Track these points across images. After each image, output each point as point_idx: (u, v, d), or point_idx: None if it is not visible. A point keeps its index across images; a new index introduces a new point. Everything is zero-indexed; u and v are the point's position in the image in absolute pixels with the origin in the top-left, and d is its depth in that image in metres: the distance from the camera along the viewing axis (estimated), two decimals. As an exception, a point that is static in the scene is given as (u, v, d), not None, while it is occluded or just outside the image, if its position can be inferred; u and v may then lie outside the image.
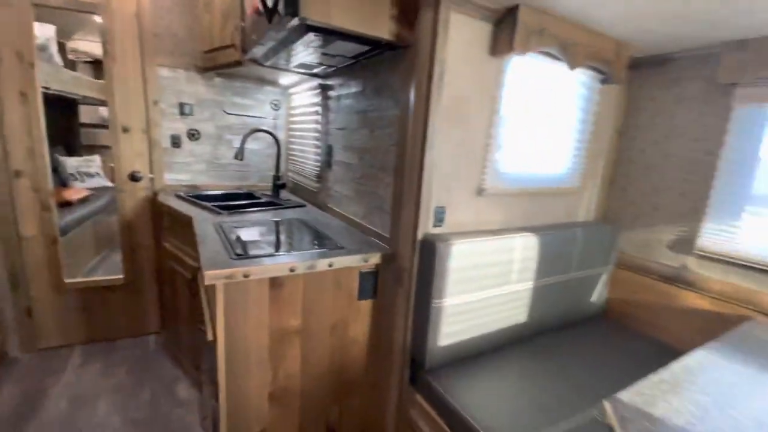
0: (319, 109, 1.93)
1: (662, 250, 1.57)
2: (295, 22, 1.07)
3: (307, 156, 2.15)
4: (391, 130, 1.34)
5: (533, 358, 1.35)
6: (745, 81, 1.31)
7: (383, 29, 1.16)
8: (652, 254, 1.61)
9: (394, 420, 1.39)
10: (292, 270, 1.15)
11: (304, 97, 2.14)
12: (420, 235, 1.21)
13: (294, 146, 2.39)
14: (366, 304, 1.38)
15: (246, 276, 1.08)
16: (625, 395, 0.78)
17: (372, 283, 1.36)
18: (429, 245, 1.18)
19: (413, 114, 1.19)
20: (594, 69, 1.46)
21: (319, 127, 1.95)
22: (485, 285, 1.29)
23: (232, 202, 1.98)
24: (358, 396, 1.44)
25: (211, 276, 1.02)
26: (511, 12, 1.14)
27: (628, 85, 1.65)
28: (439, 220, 1.26)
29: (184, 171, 2.21)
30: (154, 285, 2.21)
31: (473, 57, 1.19)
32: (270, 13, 1.16)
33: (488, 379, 1.21)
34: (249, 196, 2.24)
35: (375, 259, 1.32)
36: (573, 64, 1.30)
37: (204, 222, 1.54)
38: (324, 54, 1.42)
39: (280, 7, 1.06)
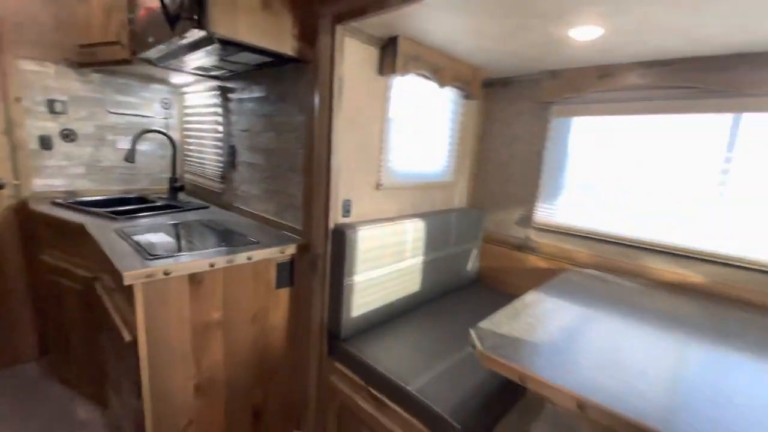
0: (219, 110, 1.96)
1: (513, 226, 2.07)
2: (201, 34, 1.15)
3: (206, 157, 2.14)
4: (298, 134, 1.50)
5: (426, 318, 1.68)
6: (557, 100, 1.84)
7: (287, 46, 1.32)
8: (507, 230, 2.10)
9: (316, 390, 1.56)
10: (212, 265, 1.24)
11: (200, 97, 2.13)
12: (331, 225, 1.41)
13: (191, 147, 2.33)
14: (284, 292, 1.52)
15: (167, 274, 1.13)
16: (483, 324, 1.11)
17: (288, 272, 1.51)
18: (339, 233, 1.39)
19: (318, 120, 1.38)
20: (458, 87, 1.85)
21: (220, 128, 1.97)
22: (386, 263, 1.56)
23: (125, 207, 1.87)
24: (281, 377, 1.57)
25: (130, 276, 1.05)
26: (393, 41, 1.41)
27: (483, 101, 2.11)
28: (346, 211, 1.47)
29: (59, 176, 1.98)
30: (29, 306, 1.94)
31: (365, 75, 1.44)
32: (173, 21, 1.21)
33: (392, 338, 1.48)
34: (142, 200, 2.12)
35: (291, 249, 1.47)
36: (441, 84, 1.65)
37: (100, 229, 1.47)
38: (227, 61, 1.49)
39: (186, 18, 1.14)
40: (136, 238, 1.37)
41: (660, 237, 1.60)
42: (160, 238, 1.41)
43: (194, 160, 2.29)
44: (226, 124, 1.92)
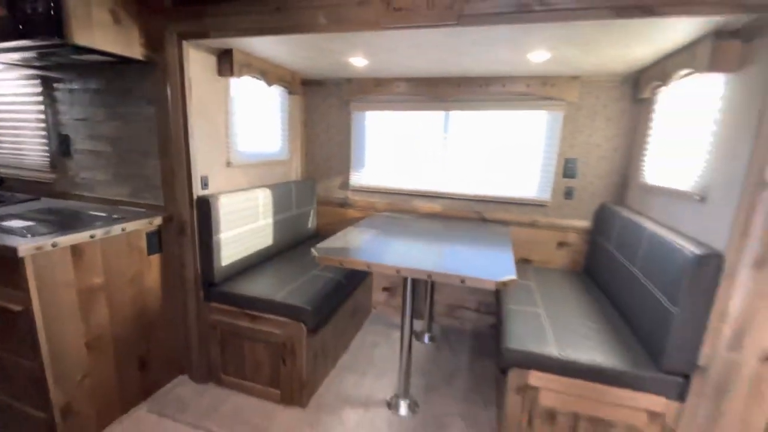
0: (41, 99, 1.92)
1: (336, 190, 2.82)
2: (56, 40, 1.34)
3: (27, 148, 2.03)
4: (151, 124, 1.77)
5: (280, 262, 2.24)
6: (353, 99, 2.62)
7: (136, 52, 1.59)
8: (333, 193, 2.83)
9: (198, 332, 1.93)
10: (92, 236, 1.47)
11: (10, 86, 1.98)
12: (195, 197, 1.79)
13: (2, 139, 2.11)
14: (155, 258, 1.81)
15: (54, 246, 1.33)
16: (321, 245, 1.77)
17: (157, 240, 1.80)
18: (203, 201, 1.78)
19: (173, 112, 1.70)
20: (282, 86, 2.39)
21: (43, 117, 1.94)
22: (244, 223, 2.03)
23: None
24: (161, 330, 1.87)
25: (23, 249, 1.23)
26: (228, 52, 1.85)
27: (304, 96, 2.72)
28: (205, 185, 1.86)
29: None
30: None
31: (209, 76, 1.83)
32: (22, 25, 1.33)
33: (257, 276, 1.99)
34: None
35: (158, 221, 1.77)
36: (269, 83, 2.18)
37: (-76, 224, 1.41)
38: (58, 56, 1.61)
39: (41, 26, 1.31)
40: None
41: (419, 186, 2.61)
42: (20, 224, 1.49)
43: (7, 152, 2.09)
44: (53, 113, 1.92)
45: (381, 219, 2.44)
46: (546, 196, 2.36)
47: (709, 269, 1.18)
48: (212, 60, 1.84)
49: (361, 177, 2.75)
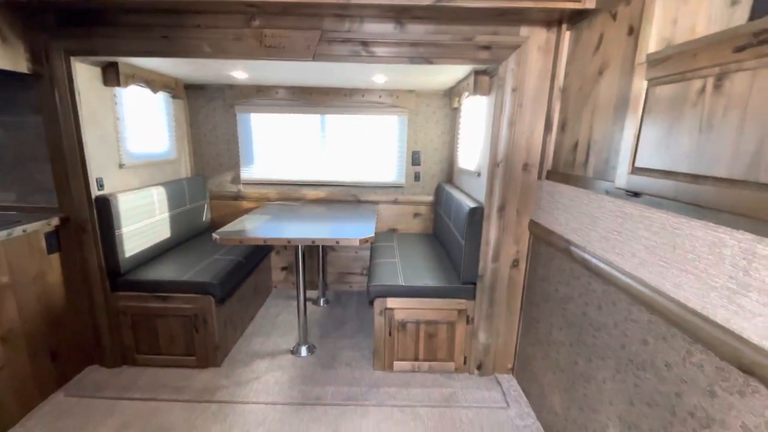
0: None
1: (228, 185, 3.12)
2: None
3: None
4: (38, 130, 1.88)
5: (181, 252, 2.50)
6: (236, 103, 2.95)
7: (21, 66, 1.71)
8: (225, 188, 3.12)
9: (107, 320, 2.10)
10: (-6, 239, 1.60)
11: None
12: (93, 197, 1.96)
13: None
14: (55, 256, 1.94)
15: (-40, 248, 1.45)
16: (220, 230, 2.14)
17: (56, 240, 1.93)
18: (103, 201, 1.97)
19: (63, 120, 1.85)
20: (167, 91, 2.60)
21: None
22: (143, 218, 2.25)
23: None
24: (71, 322, 2.01)
25: (-68, 251, 1.35)
26: (114, 64, 2.04)
27: (188, 99, 2.93)
28: (101, 186, 2.04)
29: None
30: None
31: (95, 86, 2.00)
32: None
33: (161, 265, 2.25)
34: None
35: (55, 222, 1.91)
36: (154, 91, 2.39)
37: None
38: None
39: None
40: None
41: (305, 177, 3.10)
42: None
43: None
44: None
45: (273, 207, 2.87)
46: (402, 180, 3.10)
47: (476, 215, 1.99)
48: (97, 71, 2.01)
49: (252, 171, 3.11)
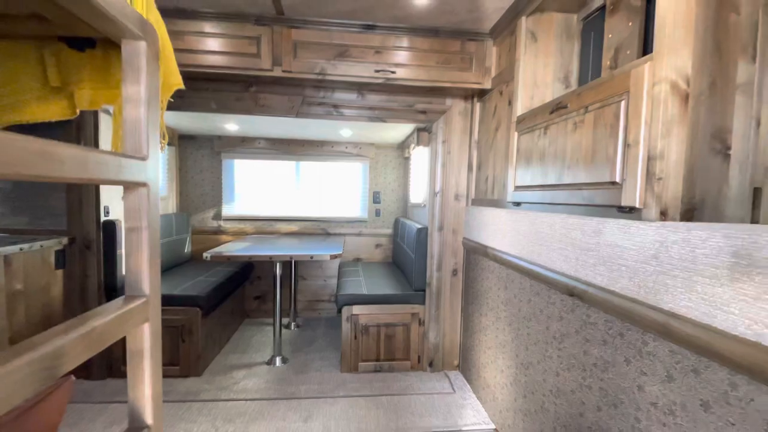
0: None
1: (210, 221, 3.49)
2: None
3: None
4: (60, 166, 2.25)
5: (167, 275, 2.79)
6: (222, 151, 3.45)
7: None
8: (207, 223, 3.49)
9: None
10: (21, 249, 1.90)
11: None
12: (101, 221, 2.30)
13: None
14: (60, 272, 2.21)
15: (-3, 253, 1.76)
16: (210, 251, 2.52)
17: (63, 257, 2.22)
18: (109, 224, 2.32)
19: (84, 158, 2.25)
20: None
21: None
22: (138, 243, 2.57)
23: None
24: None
25: (-20, 253, 1.66)
26: (130, 115, 2.51)
27: (179, 147, 3.39)
28: (107, 213, 2.39)
29: None
30: None
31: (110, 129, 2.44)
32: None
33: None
34: None
35: (64, 241, 2.21)
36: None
37: None
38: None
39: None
40: None
41: (280, 213, 3.56)
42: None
43: None
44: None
45: (251, 238, 3.26)
46: (365, 215, 3.65)
47: (422, 233, 2.54)
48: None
49: (232, 208, 3.53)
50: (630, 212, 1.07)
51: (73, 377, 0.76)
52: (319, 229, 3.60)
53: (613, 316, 1.11)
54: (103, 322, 0.56)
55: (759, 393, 0.72)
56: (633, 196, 1.04)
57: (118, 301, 0.66)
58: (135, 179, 0.65)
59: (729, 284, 0.76)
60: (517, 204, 1.76)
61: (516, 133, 1.80)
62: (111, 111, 2.11)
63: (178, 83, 0.92)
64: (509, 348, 1.80)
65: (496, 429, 1.95)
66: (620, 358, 1.08)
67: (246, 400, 2.18)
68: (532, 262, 1.58)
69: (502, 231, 1.89)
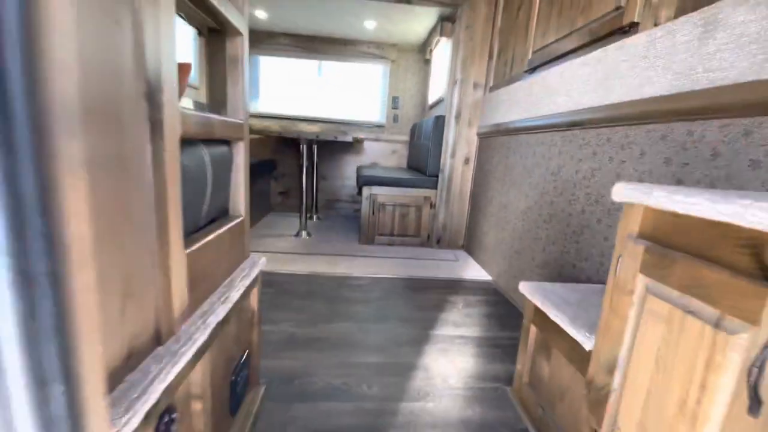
0: None
1: (237, 117, 3.69)
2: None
3: None
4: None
5: (204, 156, 3.06)
6: (249, 46, 3.56)
7: None
8: (234, 120, 3.69)
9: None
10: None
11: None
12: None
13: None
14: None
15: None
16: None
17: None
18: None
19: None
20: (197, 28, 3.17)
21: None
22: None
23: None
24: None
25: None
26: (166, -8, 2.62)
27: (207, 43, 3.50)
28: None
29: None
30: None
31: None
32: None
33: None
34: None
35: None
36: (189, 23, 2.97)
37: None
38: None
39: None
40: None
41: (303, 113, 3.74)
42: None
43: None
44: None
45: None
46: (383, 120, 3.81)
47: (440, 121, 2.71)
48: None
49: (257, 105, 3.71)
50: (629, 30, 1.23)
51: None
52: (339, 132, 3.78)
53: (603, 127, 1.31)
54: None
55: (707, 128, 0.94)
56: (633, 13, 1.19)
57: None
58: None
59: (697, 51, 0.95)
60: (533, 70, 1.91)
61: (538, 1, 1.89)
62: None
63: None
64: (511, 206, 2.05)
65: (492, 279, 2.27)
66: (605, 159, 1.30)
67: (277, 252, 2.53)
68: (541, 116, 1.76)
69: (516, 101, 2.05)
